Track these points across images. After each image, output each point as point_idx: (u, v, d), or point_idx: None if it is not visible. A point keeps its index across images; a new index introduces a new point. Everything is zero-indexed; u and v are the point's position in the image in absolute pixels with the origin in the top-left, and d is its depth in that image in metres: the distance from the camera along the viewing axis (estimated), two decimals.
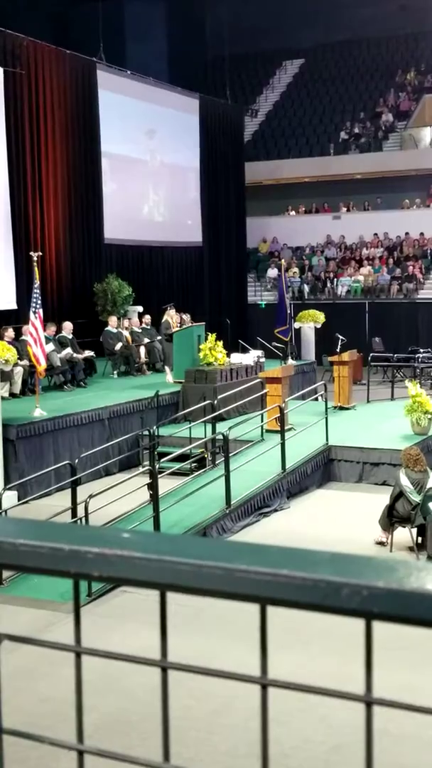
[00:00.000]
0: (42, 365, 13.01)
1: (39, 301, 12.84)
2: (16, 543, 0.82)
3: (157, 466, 10.26)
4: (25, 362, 13.93)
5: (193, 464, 12.23)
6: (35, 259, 13.10)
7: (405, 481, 9.50)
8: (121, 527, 7.70)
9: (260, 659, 0.79)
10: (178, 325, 16.92)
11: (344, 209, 31.15)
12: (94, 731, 5.23)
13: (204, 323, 17.15)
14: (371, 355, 20.67)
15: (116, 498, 9.64)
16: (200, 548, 0.80)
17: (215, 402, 13.21)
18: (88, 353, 16.60)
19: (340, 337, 19.90)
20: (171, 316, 16.97)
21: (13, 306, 17.96)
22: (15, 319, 17.15)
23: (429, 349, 21.84)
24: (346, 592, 0.72)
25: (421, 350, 21.68)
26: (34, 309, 12.76)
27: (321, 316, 19.81)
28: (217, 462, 12.07)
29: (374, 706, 0.78)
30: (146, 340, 18.11)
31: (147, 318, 19.08)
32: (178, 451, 11.39)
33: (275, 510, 11.32)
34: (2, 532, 0.84)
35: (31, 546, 0.82)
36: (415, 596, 0.71)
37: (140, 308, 20.40)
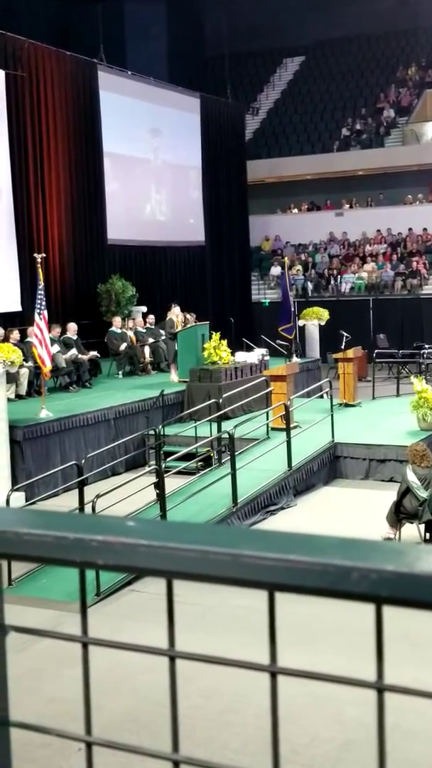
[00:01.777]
0: (47, 366, 13.01)
1: (43, 303, 12.84)
2: (20, 533, 0.81)
3: (163, 466, 10.25)
4: (31, 364, 13.93)
5: (199, 463, 12.22)
6: (39, 260, 13.10)
7: (412, 477, 9.48)
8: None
9: (269, 647, 0.78)
10: (182, 324, 16.91)
11: (347, 206, 31.11)
12: (103, 730, 5.22)
13: (208, 322, 17.13)
14: (376, 351, 20.63)
15: (123, 497, 9.64)
16: (206, 535, 0.79)
17: (220, 401, 13.20)
18: (93, 354, 16.60)
19: (345, 334, 19.88)
20: (175, 315, 16.96)
21: (18, 308, 17.98)
22: (20, 320, 17.16)
23: None
24: (355, 576, 0.71)
25: (426, 346, 21.63)
26: (38, 310, 12.76)
27: (325, 314, 19.78)
28: (223, 460, 12.06)
29: (385, 702, 0.77)
30: (150, 340, 18.10)
31: (151, 318, 19.07)
32: (184, 450, 11.38)
33: (282, 508, 11.31)
34: (6, 522, 0.83)
35: (35, 535, 0.81)
36: (426, 579, 0.70)
37: (144, 308, 20.40)
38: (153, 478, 10.04)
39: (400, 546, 0.75)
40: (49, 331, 13.82)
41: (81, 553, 0.79)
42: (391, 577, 0.70)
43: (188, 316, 18.17)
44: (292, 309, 19.02)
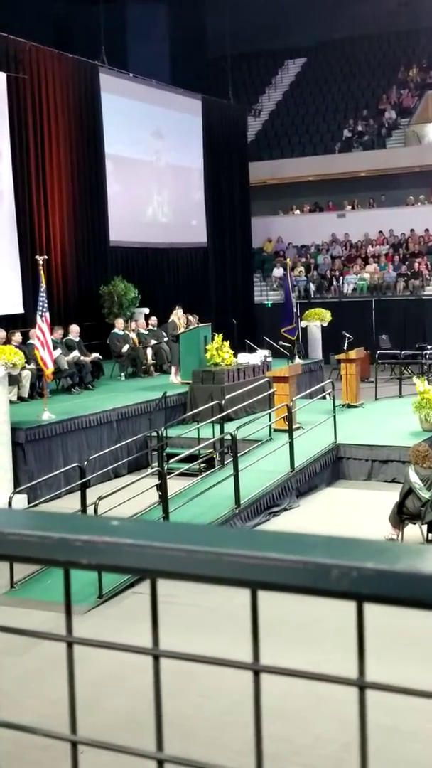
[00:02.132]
0: (49, 368, 13.02)
1: (45, 305, 12.85)
2: (4, 532, 0.81)
3: (165, 467, 10.25)
4: (33, 366, 13.94)
5: (202, 465, 12.23)
6: (41, 262, 13.11)
7: (414, 478, 9.48)
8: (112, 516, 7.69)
9: (252, 645, 0.78)
10: (184, 326, 16.93)
11: (349, 207, 31.12)
12: (103, 730, 5.22)
13: (210, 324, 17.15)
14: (378, 352, 20.62)
15: (126, 499, 9.64)
16: (190, 534, 0.79)
17: (223, 402, 13.20)
18: (95, 356, 16.61)
19: (347, 335, 19.86)
20: (178, 317, 16.98)
21: (20, 310, 17.99)
22: (22, 323, 17.17)
23: None
24: (336, 573, 0.71)
25: (428, 347, 21.61)
26: (40, 312, 12.77)
27: (327, 315, 19.77)
28: (225, 462, 12.06)
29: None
30: (153, 342, 18.11)
31: (153, 320, 19.09)
32: (187, 452, 11.38)
33: (285, 509, 11.31)
34: None
35: (19, 535, 0.81)
36: (406, 577, 0.70)
37: (146, 310, 20.41)
38: (156, 480, 10.05)
39: (381, 543, 0.76)
40: (51, 333, 13.83)
41: (65, 552, 0.79)
42: (371, 574, 0.71)
43: (190, 317, 18.18)
44: (295, 310, 19.03)
